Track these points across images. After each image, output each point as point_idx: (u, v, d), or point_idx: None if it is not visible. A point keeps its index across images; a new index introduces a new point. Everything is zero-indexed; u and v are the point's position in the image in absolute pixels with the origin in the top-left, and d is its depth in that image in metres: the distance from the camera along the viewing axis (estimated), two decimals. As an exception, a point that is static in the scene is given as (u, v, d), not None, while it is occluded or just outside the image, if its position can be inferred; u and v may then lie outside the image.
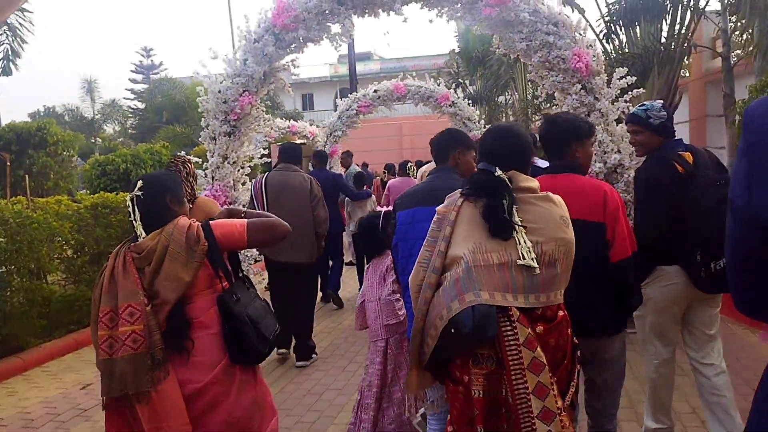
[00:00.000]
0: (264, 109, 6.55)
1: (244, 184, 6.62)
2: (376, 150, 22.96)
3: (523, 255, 2.09)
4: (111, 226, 6.43)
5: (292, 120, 22.78)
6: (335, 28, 6.32)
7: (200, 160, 6.59)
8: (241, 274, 2.66)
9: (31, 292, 5.36)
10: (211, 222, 2.49)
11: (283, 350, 5.56)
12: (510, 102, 18.39)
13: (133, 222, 2.44)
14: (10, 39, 5.83)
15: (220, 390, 2.37)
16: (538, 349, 2.04)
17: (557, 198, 2.29)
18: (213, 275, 2.44)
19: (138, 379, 2.26)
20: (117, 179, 9.18)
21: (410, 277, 2.36)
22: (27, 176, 6.02)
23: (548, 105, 10.92)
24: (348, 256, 9.84)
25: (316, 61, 54.56)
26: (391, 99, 14.41)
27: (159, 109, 28.14)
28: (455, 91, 14.35)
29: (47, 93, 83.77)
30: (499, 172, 2.21)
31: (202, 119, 6.43)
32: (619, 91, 5.98)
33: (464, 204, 2.27)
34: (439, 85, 14.14)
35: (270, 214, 2.69)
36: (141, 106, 33.44)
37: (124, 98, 36.21)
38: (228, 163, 6.39)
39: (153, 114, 28.46)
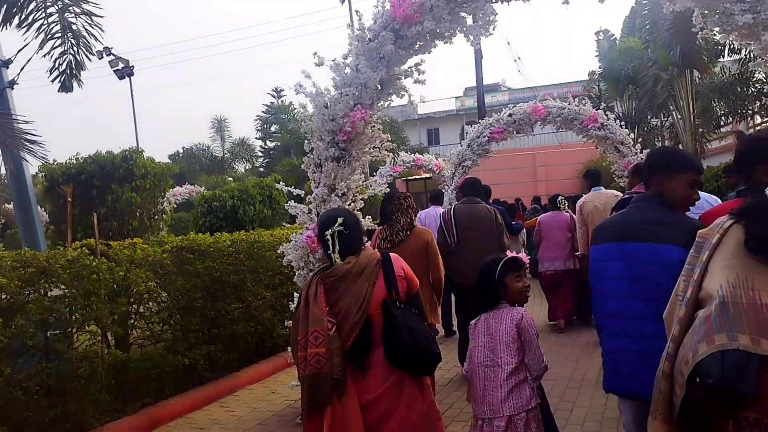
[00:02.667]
0: (380, 126, 5.17)
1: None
2: (507, 183, 21.16)
3: None
4: (197, 275, 5.26)
5: (417, 154, 21.72)
6: (471, 19, 4.91)
7: (303, 193, 5.35)
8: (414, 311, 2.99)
9: (88, 360, 4.24)
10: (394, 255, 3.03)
11: None
12: (666, 124, 15.99)
13: (331, 254, 2.85)
14: (74, 48, 4.94)
15: (390, 402, 2.75)
16: None
17: None
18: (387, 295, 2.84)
19: (322, 394, 2.68)
20: (224, 217, 8.21)
21: (665, 311, 2.04)
22: (96, 216, 5.04)
23: (729, 121, 8.88)
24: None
25: (441, 94, 53.72)
26: (529, 123, 12.66)
27: (287, 147, 28.17)
28: (605, 113, 12.41)
29: (185, 137, 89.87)
30: None
31: (305, 142, 5.17)
32: None
33: (733, 227, 1.88)
34: (585, 105, 12.26)
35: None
36: (271, 145, 33.96)
37: (256, 138, 37.06)
38: (336, 195, 5.06)
39: (281, 152, 28.57)
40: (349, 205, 5.20)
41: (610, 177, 17.35)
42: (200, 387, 5.47)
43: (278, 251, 4.98)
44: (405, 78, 5.13)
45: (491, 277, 3.10)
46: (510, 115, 12.79)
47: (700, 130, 11.73)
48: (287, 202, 5.22)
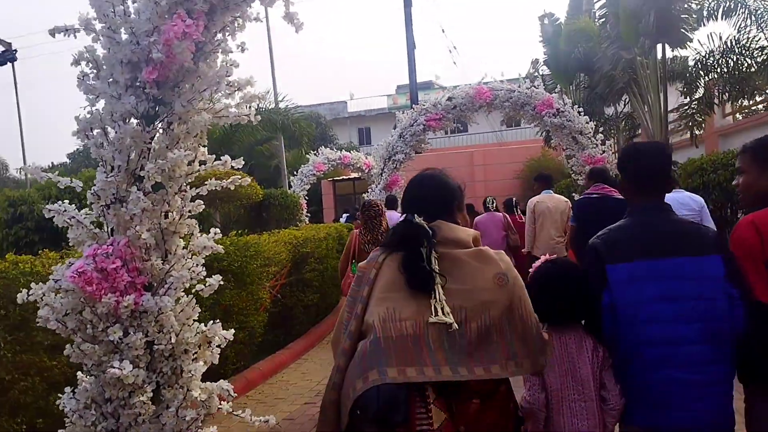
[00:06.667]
0: (229, 62, 2.75)
1: (188, 238, 2.82)
2: (443, 183, 19.03)
3: (435, 309, 1.80)
4: None
5: (344, 151, 19.37)
6: None
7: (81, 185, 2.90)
8: None
9: None
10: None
11: None
12: (621, 113, 14.25)
13: None
14: None
15: None
16: None
17: (495, 253, 1.95)
18: None
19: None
20: (36, 228, 5.48)
21: (333, 337, 2.07)
22: None
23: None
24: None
25: (373, 92, 51.44)
26: (471, 109, 10.60)
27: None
28: (561, 97, 10.47)
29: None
30: (418, 219, 1.97)
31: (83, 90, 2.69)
32: None
33: (386, 260, 1.98)
34: (537, 88, 10.30)
35: None
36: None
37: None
38: (140, 190, 2.61)
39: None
40: (179, 204, 2.78)
41: (559, 174, 15.82)
42: None
43: (20, 299, 2.51)
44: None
45: (582, 284, 2.36)
46: (450, 99, 10.70)
47: (689, 112, 9.83)
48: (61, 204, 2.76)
